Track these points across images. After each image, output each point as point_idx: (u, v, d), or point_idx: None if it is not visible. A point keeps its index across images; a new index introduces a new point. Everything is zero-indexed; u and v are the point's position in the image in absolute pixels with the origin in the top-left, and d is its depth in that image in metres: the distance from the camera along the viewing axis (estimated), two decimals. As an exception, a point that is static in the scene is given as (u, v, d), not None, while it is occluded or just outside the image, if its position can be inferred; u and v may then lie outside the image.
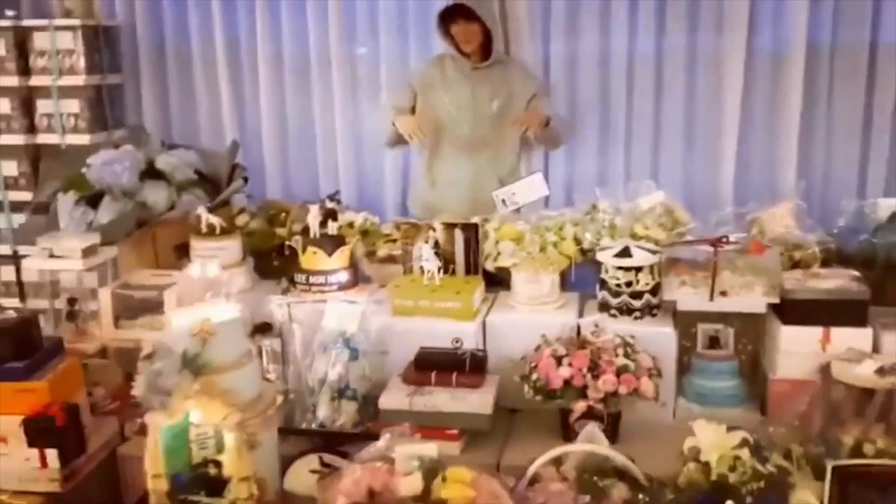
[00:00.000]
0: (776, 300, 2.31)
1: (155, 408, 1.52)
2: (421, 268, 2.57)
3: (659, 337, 2.30)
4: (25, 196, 3.37)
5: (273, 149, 3.64)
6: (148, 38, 3.61)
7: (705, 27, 3.30)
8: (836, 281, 2.34)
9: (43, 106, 3.36)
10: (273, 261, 2.77)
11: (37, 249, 2.33)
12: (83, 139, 3.33)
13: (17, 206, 3.35)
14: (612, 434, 2.15)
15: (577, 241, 2.59)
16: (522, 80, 3.25)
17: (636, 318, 2.38)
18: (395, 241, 2.82)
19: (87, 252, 2.29)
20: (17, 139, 3.37)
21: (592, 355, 2.14)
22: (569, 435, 2.14)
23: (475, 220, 2.63)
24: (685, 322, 2.40)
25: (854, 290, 2.30)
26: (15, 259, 3.24)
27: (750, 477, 1.40)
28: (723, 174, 3.32)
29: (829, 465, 1.28)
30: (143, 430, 2.12)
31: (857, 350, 2.22)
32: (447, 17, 3.13)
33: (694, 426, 1.60)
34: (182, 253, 2.77)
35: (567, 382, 2.11)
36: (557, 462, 1.64)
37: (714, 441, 1.50)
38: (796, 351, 2.27)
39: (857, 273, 2.38)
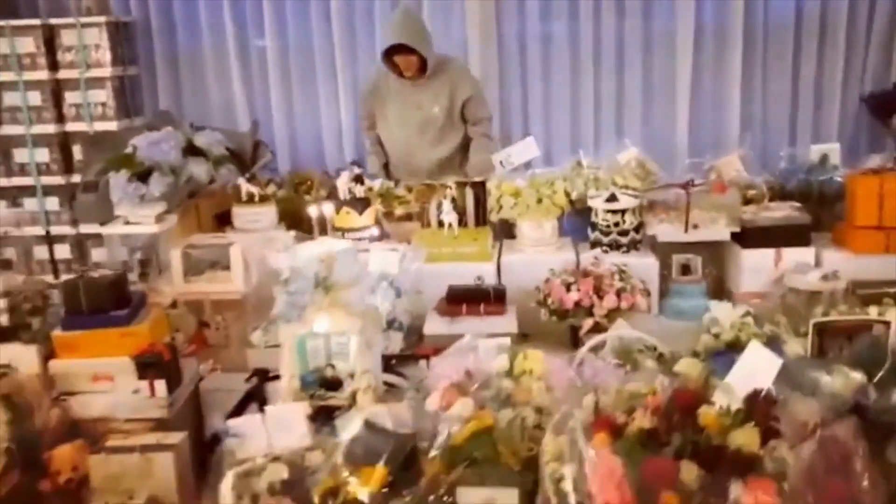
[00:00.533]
0: (737, 229, 2.77)
1: (292, 320, 1.86)
2: (440, 222, 2.95)
3: (644, 266, 2.71)
4: (57, 180, 3.61)
5: (281, 127, 3.94)
6: (161, 32, 3.85)
7: (660, 10, 3.75)
8: (783, 212, 2.82)
9: (71, 97, 3.56)
10: (302, 224, 3.10)
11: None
12: (111, 125, 3.55)
13: (48, 191, 3.57)
14: (614, 344, 2.58)
15: (567, 194, 3.01)
16: (460, 83, 3.54)
17: (623, 251, 2.80)
18: (408, 202, 3.18)
19: (159, 218, 2.58)
20: (48, 128, 3.57)
21: (595, 281, 2.55)
22: (578, 346, 2.56)
23: (481, 178, 3.02)
24: (662, 254, 2.81)
25: (798, 218, 2.78)
26: (48, 239, 3.47)
27: (758, 336, 1.82)
28: (678, 132, 3.80)
29: (811, 321, 1.71)
30: (214, 370, 2.51)
31: (804, 264, 2.71)
32: (389, 50, 3.43)
33: (710, 305, 2.03)
34: (222, 221, 3.08)
35: (577, 304, 2.51)
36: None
37: (726, 314, 1.92)
38: (755, 269, 2.73)
39: (798, 204, 2.88)
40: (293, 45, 3.93)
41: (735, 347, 1.80)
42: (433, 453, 1.37)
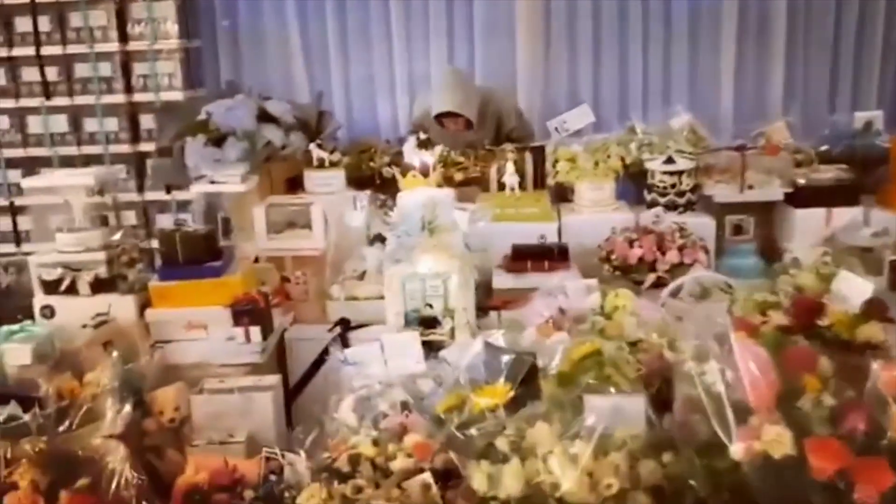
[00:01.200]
0: (790, 190, 2.85)
1: (401, 260, 1.95)
2: (500, 185, 3.03)
3: (701, 225, 2.77)
4: (125, 149, 3.69)
5: (340, 100, 4.03)
6: (223, 7, 3.93)
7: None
8: (832, 173, 2.89)
9: (139, 68, 3.63)
10: (367, 187, 3.19)
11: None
12: (177, 96, 3.62)
13: (116, 159, 3.66)
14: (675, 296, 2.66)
15: (621, 158, 3.09)
16: (505, 118, 3.54)
17: (680, 212, 2.86)
18: (465, 168, 3.26)
19: (243, 178, 2.67)
20: (118, 98, 3.65)
21: (657, 238, 2.63)
22: (639, 301, 2.67)
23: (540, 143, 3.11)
24: (717, 215, 2.87)
25: (847, 179, 2.86)
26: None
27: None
28: (723, 101, 3.88)
29: (888, 259, 1.80)
30: (296, 321, 2.60)
31: (854, 222, 2.78)
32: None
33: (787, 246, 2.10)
34: (293, 186, 3.16)
35: (640, 259, 2.60)
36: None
37: (806, 254, 2.02)
38: (807, 228, 2.79)
39: (845, 166, 2.95)
40: (352, 21, 4.00)
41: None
42: (551, 372, 1.45)
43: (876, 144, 3.06)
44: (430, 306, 1.93)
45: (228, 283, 2.33)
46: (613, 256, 2.63)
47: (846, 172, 2.88)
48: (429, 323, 1.91)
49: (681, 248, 2.59)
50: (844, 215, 2.79)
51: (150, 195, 3.73)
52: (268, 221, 2.65)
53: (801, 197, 2.82)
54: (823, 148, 3.09)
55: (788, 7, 3.81)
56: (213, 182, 2.64)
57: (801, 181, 2.84)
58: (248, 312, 2.28)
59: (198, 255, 2.35)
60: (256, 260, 2.65)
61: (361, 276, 2.66)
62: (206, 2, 3.93)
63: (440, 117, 3.43)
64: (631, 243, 2.62)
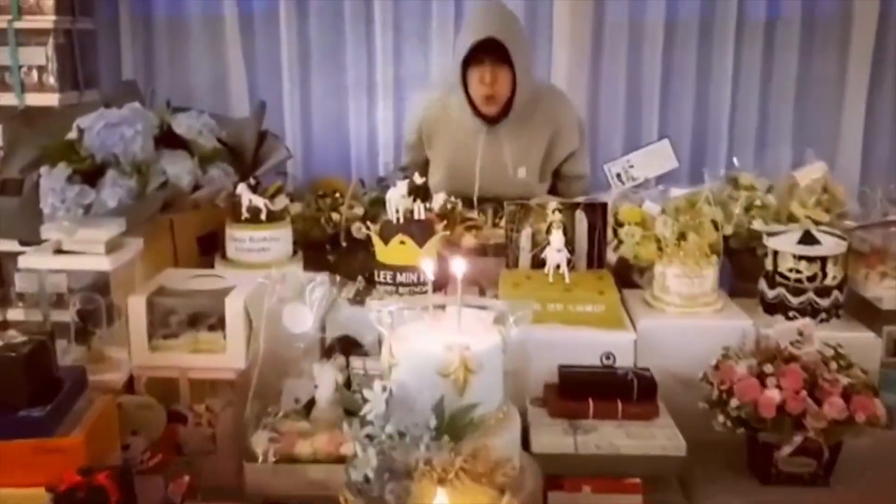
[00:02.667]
0: None
1: (385, 500, 1.01)
2: (536, 260, 2.13)
3: (859, 345, 1.93)
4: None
5: (295, 116, 3.12)
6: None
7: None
8: None
9: (-6, 55, 2.75)
10: (327, 254, 2.30)
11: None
12: (51, 99, 2.72)
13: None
14: (826, 475, 1.78)
15: (716, 226, 2.23)
16: (560, 132, 2.64)
17: (822, 320, 2.02)
18: (478, 227, 2.38)
19: (112, 245, 1.73)
20: (-40, 99, 2.75)
21: (806, 372, 1.76)
22: (768, 477, 1.77)
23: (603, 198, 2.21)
24: (871, 324, 2.07)
25: None
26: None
27: None
28: (843, 147, 3.02)
29: None
30: (192, 493, 1.69)
31: None
32: (470, 54, 2.49)
33: None
34: (209, 247, 2.26)
35: (781, 409, 1.72)
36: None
37: None
38: None
39: None
40: (315, 4, 3.09)
41: None
42: None
43: None
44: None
45: (61, 448, 1.44)
46: (733, 402, 1.74)
47: None
48: None
49: (846, 393, 1.72)
50: None
51: (5, 244, 2.78)
52: (155, 319, 1.77)
53: None
54: None
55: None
56: (59, 251, 1.71)
57: None
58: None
59: (7, 395, 1.45)
60: (130, 385, 1.78)
61: (307, 410, 1.81)
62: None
63: (469, 72, 2.50)
64: (763, 379, 1.76)
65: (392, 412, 1.16)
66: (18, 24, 2.73)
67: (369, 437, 1.10)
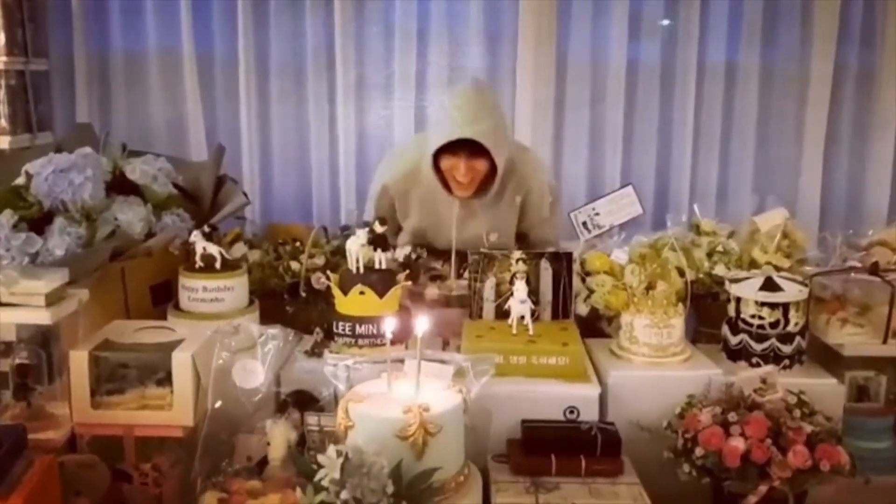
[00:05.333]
0: (957, 342, 2.01)
1: None
2: (501, 309, 2.09)
3: (823, 392, 1.94)
4: None
5: (253, 159, 3.04)
6: (87, 15, 2.94)
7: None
8: None
9: (-58, 96, 2.64)
10: (285, 305, 2.23)
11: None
12: (1, 142, 2.61)
13: None
14: (795, 525, 1.75)
15: (681, 273, 2.21)
16: (536, 198, 2.45)
17: (785, 366, 2.01)
18: (442, 278, 2.33)
19: (53, 297, 1.65)
20: None
21: (771, 420, 1.73)
22: (735, 531, 1.75)
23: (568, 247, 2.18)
24: (833, 370, 2.07)
25: None
26: None
27: None
28: (803, 192, 3.04)
29: None
30: None
31: None
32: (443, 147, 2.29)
33: None
34: (161, 295, 2.17)
35: (745, 458, 1.69)
36: None
37: None
38: (985, 405, 1.98)
39: None
40: (276, 45, 3.03)
41: None
42: None
43: None
44: None
45: None
46: (698, 451, 1.73)
47: None
48: None
49: (810, 441, 1.72)
50: None
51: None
52: (97, 375, 1.69)
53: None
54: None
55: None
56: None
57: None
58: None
59: None
60: (72, 443, 1.69)
61: (259, 468, 1.74)
62: (63, 8, 2.92)
63: (442, 156, 2.29)
64: (726, 428, 1.75)
65: (347, 477, 1.10)
66: None
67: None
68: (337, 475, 1.11)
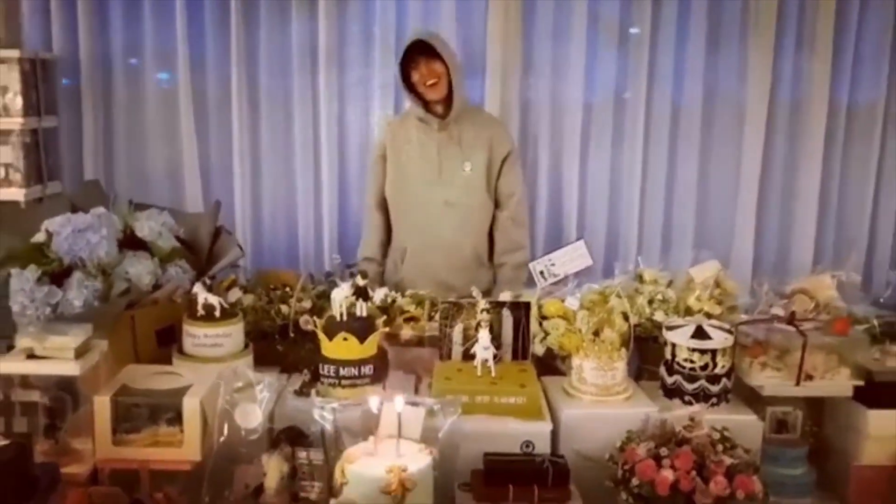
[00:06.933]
0: (861, 383, 2.28)
1: None
2: (466, 353, 2.35)
3: (744, 427, 2.19)
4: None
5: (245, 211, 3.29)
6: (92, 74, 3.17)
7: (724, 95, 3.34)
8: (917, 359, 2.34)
9: (-38, 153, 2.86)
10: (276, 345, 2.46)
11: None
12: (17, 194, 2.84)
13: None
14: (716, 545, 2.01)
15: (625, 317, 2.48)
16: (497, 133, 3.11)
17: (712, 404, 2.27)
18: (415, 319, 2.58)
19: (82, 350, 1.89)
20: (-74, 194, 2.84)
21: (696, 454, 2.00)
22: (666, 548, 2.00)
23: (527, 297, 2.45)
24: (755, 405, 2.32)
25: (939, 370, 2.31)
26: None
27: None
28: (737, 241, 3.33)
29: None
30: None
31: (950, 435, 2.21)
32: (408, 62, 2.97)
33: None
34: (167, 340, 2.39)
35: (673, 487, 1.95)
36: None
37: None
38: (882, 435, 2.24)
39: (928, 349, 2.40)
40: (266, 100, 3.30)
41: None
42: None
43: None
44: None
45: None
46: (634, 481, 1.97)
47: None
48: None
49: (729, 472, 1.96)
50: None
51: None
52: (117, 416, 1.90)
53: (877, 392, 2.25)
54: (885, 318, 2.52)
55: (828, 128, 3.33)
56: (31, 356, 1.86)
57: (875, 370, 2.26)
58: None
59: None
60: (94, 476, 1.90)
61: (256, 495, 1.94)
62: (68, 67, 3.16)
63: (409, 73, 2.96)
64: (659, 461, 1.99)
65: None
66: None
67: None
68: None
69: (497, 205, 3.11)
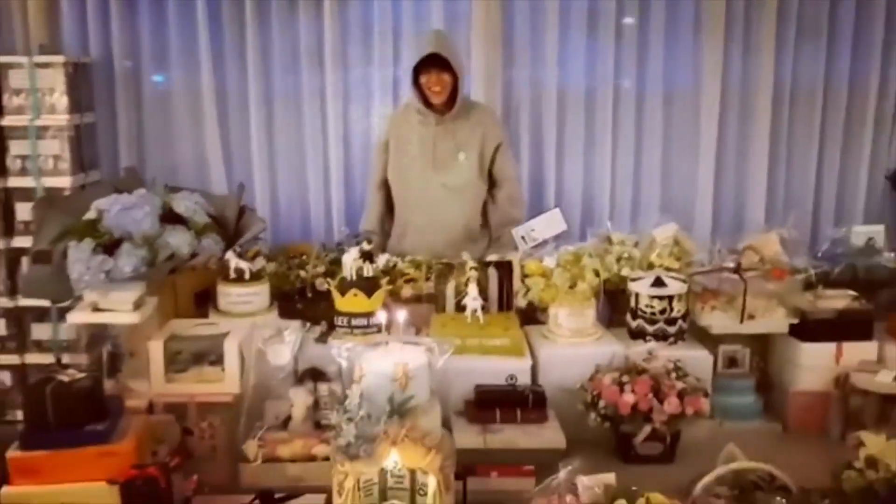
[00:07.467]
0: (796, 321, 2.61)
1: (360, 456, 1.55)
2: (458, 306, 2.68)
3: (697, 360, 2.50)
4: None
5: (264, 191, 3.63)
6: (125, 75, 3.51)
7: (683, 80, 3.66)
8: (842, 301, 2.67)
9: (16, 147, 3.17)
10: (296, 304, 2.79)
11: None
12: (64, 181, 3.16)
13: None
14: (671, 454, 2.35)
15: (597, 273, 2.80)
16: (489, 128, 3.32)
17: (671, 343, 2.59)
18: (416, 279, 2.91)
19: (138, 303, 2.23)
20: (-14, 183, 3.18)
21: (653, 380, 2.33)
22: (629, 457, 2.32)
23: (510, 257, 2.78)
24: (709, 345, 2.62)
25: (860, 308, 2.64)
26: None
27: None
28: (699, 206, 3.67)
29: None
30: (200, 488, 2.15)
31: (868, 361, 2.55)
32: (420, 67, 3.19)
33: (862, 437, 1.81)
34: (203, 300, 2.73)
35: (634, 407, 2.29)
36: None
37: (885, 449, 1.71)
38: (814, 365, 2.56)
39: (854, 293, 2.73)
40: (279, 96, 3.63)
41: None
42: None
43: (880, 264, 2.87)
44: (393, 509, 1.54)
45: (117, 452, 1.90)
46: (601, 404, 2.31)
47: (857, 300, 2.66)
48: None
49: (681, 395, 2.30)
50: (857, 351, 2.56)
51: (25, 300, 3.22)
52: (167, 358, 2.24)
53: (808, 329, 2.58)
54: (819, 267, 2.85)
55: (774, 107, 3.67)
56: (96, 309, 2.19)
57: (809, 310, 2.60)
58: (144, 494, 1.85)
59: (76, 414, 1.91)
60: (150, 408, 2.22)
61: (285, 424, 2.29)
62: (103, 69, 3.49)
63: (419, 75, 3.18)
64: (621, 387, 2.33)
65: (363, 403, 1.67)
66: (38, 122, 3.17)
67: (350, 418, 1.62)
68: (357, 401, 1.67)
69: (494, 185, 3.36)
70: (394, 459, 1.53)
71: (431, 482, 1.50)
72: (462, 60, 3.24)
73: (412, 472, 1.53)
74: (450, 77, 3.18)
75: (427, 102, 3.24)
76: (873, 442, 1.74)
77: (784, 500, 1.65)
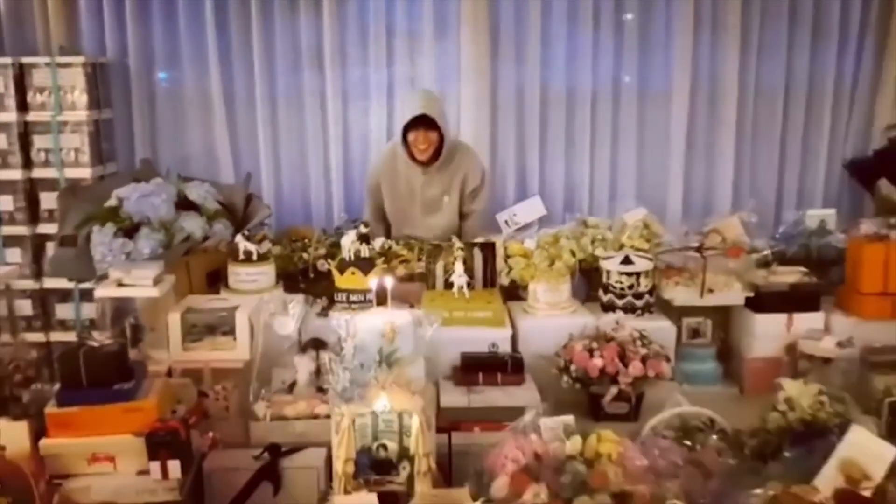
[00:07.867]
0: (751, 294, 2.84)
1: (353, 399, 1.78)
2: (447, 283, 2.91)
3: (660, 330, 2.73)
4: (22, 231, 3.43)
5: (269, 180, 3.84)
6: (139, 73, 3.72)
7: (656, 76, 3.89)
8: (794, 276, 2.90)
9: (40, 141, 3.39)
10: (299, 283, 3.01)
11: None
12: (84, 172, 3.38)
13: (12, 241, 3.41)
14: (636, 412, 2.58)
15: (573, 254, 3.03)
16: (469, 172, 3.45)
17: (638, 314, 2.81)
18: (408, 260, 3.13)
19: (157, 280, 2.45)
20: (15, 174, 3.38)
21: (619, 347, 2.56)
22: (599, 416, 2.53)
23: (493, 239, 3.01)
24: (674, 317, 2.85)
25: (809, 283, 2.87)
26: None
27: (832, 415, 1.87)
28: (671, 193, 3.91)
29: (887, 401, 1.76)
30: (215, 444, 2.37)
31: (815, 330, 2.78)
32: (409, 124, 3.32)
33: (782, 383, 2.04)
34: (214, 280, 2.95)
35: (601, 371, 2.52)
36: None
37: (799, 391, 1.94)
38: (767, 334, 2.80)
39: (805, 269, 2.97)
40: (282, 92, 3.84)
41: (814, 426, 1.81)
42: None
43: (831, 244, 3.10)
44: (384, 447, 1.77)
45: (142, 409, 2.11)
46: (572, 367, 2.54)
47: (807, 276, 2.89)
48: (382, 467, 1.74)
49: (644, 359, 2.52)
50: (806, 321, 2.79)
51: (50, 282, 3.44)
52: (184, 329, 2.45)
53: (762, 301, 2.81)
54: (776, 247, 3.09)
55: (739, 102, 3.89)
56: (120, 285, 2.41)
57: (762, 284, 2.83)
58: (166, 444, 2.06)
59: (105, 375, 2.12)
60: (169, 373, 2.44)
61: (290, 388, 2.49)
62: (119, 68, 3.70)
63: (409, 132, 3.32)
64: (591, 353, 2.55)
65: (356, 353, 1.89)
66: (59, 118, 3.38)
67: (345, 367, 1.85)
68: (351, 351, 1.89)
69: (461, 216, 3.53)
70: (383, 403, 1.75)
71: (415, 422, 1.72)
72: (447, 120, 3.43)
73: (400, 416, 1.76)
74: (436, 135, 3.34)
75: (413, 157, 3.39)
76: (791, 386, 1.97)
77: (717, 437, 1.87)
